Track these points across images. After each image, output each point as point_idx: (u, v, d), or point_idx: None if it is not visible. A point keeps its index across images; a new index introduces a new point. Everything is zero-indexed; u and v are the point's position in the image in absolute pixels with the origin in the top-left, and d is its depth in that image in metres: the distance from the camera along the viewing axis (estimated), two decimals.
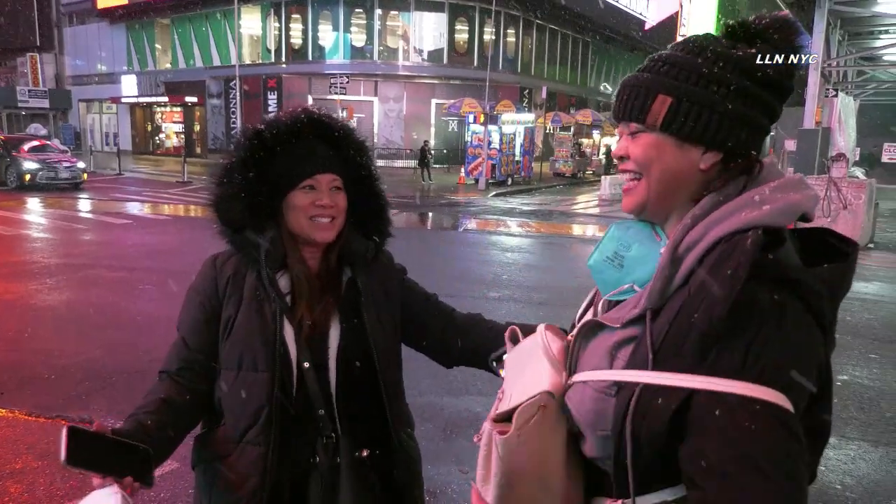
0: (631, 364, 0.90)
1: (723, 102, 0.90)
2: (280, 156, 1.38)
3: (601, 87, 40.58)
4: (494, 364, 1.45)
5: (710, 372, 0.81)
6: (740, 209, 0.86)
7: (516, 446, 0.96)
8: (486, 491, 1.03)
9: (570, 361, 1.02)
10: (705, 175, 0.93)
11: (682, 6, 45.65)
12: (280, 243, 1.39)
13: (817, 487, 3.49)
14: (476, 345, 1.50)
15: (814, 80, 13.83)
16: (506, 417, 1.01)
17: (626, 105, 0.97)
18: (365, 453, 1.42)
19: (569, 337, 1.06)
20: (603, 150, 32.40)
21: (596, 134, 34.77)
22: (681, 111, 0.91)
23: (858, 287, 8.60)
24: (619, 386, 0.90)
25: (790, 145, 14.57)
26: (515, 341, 1.17)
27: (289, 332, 1.37)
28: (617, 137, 1.06)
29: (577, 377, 0.98)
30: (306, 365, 1.37)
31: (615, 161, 1.03)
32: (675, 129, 0.92)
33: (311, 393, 1.37)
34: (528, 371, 1.05)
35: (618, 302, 0.99)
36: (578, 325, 1.04)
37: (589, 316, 1.07)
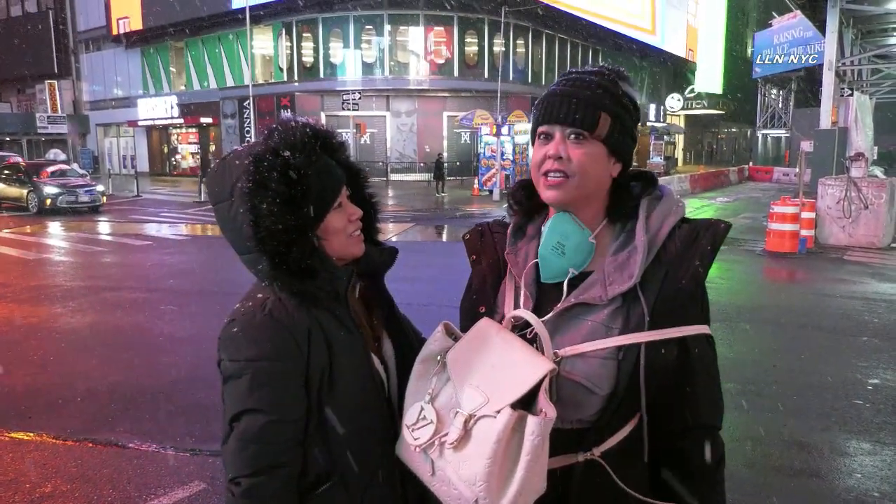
0: (625, 329, 1.12)
1: (631, 127, 1.20)
2: (311, 180, 1.23)
3: None
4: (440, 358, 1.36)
5: (689, 322, 1.14)
6: (674, 205, 1.21)
7: (552, 422, 1.03)
8: (502, 495, 1.02)
9: (547, 339, 1.13)
10: (612, 180, 1.21)
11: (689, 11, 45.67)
12: (342, 274, 1.26)
13: (854, 496, 3.41)
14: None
15: (828, 79, 13.71)
16: (518, 405, 1.03)
17: (575, 114, 1.16)
18: None
19: (525, 319, 1.15)
20: None
21: None
22: (615, 129, 1.17)
23: (884, 288, 8.45)
24: (624, 349, 1.11)
25: (807, 146, 14.41)
26: (453, 336, 1.23)
27: (376, 362, 1.31)
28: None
29: (571, 350, 1.13)
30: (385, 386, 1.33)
31: (549, 158, 1.19)
32: (610, 143, 1.17)
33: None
34: (499, 359, 1.10)
35: (559, 285, 1.19)
36: (559, 308, 1.17)
37: (508, 304, 1.25)
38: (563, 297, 1.18)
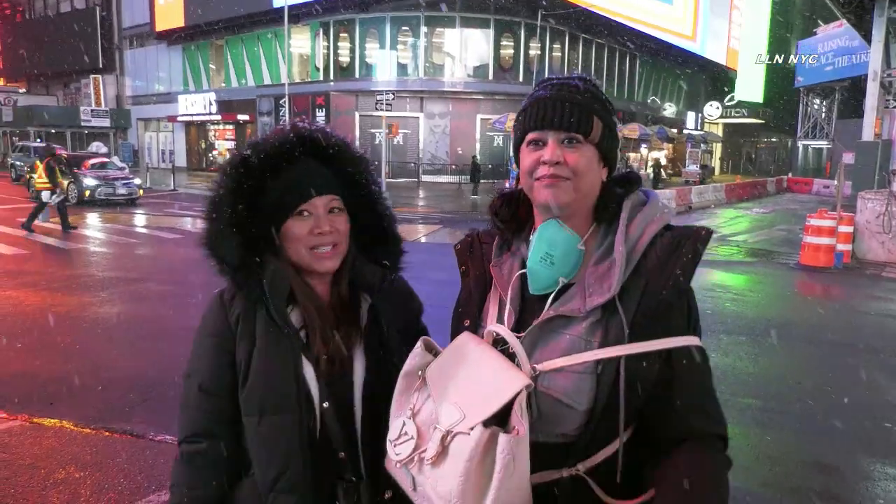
0: (604, 343, 1.09)
1: (616, 131, 1.22)
2: (271, 182, 1.27)
3: (649, 101, 40.01)
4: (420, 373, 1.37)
5: (673, 333, 1.09)
6: (657, 212, 1.17)
7: (524, 440, 1.02)
8: None
9: (523, 354, 1.11)
10: (600, 185, 1.19)
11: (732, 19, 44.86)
12: (284, 276, 1.28)
13: None
14: None
15: (872, 90, 13.33)
16: (493, 421, 1.03)
17: (571, 118, 1.14)
18: (388, 495, 1.30)
19: (502, 335, 1.14)
20: (651, 163, 31.91)
21: (643, 148, 34.23)
22: (606, 134, 1.17)
23: None
24: (603, 363, 1.08)
25: (848, 158, 14.04)
26: (433, 352, 1.23)
27: (308, 371, 1.28)
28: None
29: (548, 365, 1.10)
30: (325, 405, 1.29)
31: (545, 164, 1.16)
32: (603, 147, 1.17)
33: (332, 435, 1.29)
34: (476, 375, 1.10)
35: (543, 297, 1.16)
36: (539, 321, 1.14)
37: (492, 318, 1.21)
38: (545, 309, 1.15)
